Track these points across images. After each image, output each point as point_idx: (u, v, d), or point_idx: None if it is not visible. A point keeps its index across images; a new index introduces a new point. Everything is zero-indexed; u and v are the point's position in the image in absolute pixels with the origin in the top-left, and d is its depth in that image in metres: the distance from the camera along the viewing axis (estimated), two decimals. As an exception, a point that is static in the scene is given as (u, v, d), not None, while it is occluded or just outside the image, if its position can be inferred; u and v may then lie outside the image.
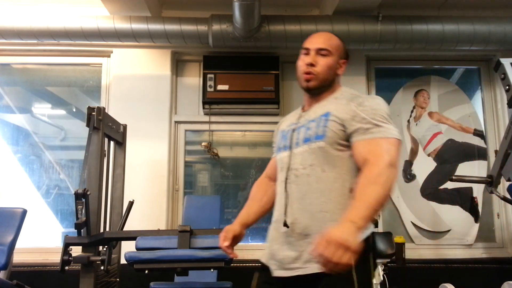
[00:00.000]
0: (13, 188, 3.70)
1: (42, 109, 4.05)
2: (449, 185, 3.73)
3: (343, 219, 1.11)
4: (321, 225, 1.26)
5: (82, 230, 2.42)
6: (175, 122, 3.74)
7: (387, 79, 4.00)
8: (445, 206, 3.74)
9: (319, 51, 1.47)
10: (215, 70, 3.62)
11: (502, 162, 2.71)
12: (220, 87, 3.59)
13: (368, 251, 1.29)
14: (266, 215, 1.63)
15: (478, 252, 3.68)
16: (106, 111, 2.96)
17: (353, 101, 1.36)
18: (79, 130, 3.68)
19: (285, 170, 1.40)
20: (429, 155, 3.83)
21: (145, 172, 3.53)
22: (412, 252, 3.50)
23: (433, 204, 3.74)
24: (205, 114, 3.72)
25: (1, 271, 2.75)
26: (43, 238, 3.61)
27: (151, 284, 2.88)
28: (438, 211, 3.73)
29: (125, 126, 3.25)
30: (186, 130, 3.77)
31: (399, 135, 1.29)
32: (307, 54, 1.50)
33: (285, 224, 1.35)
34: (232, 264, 2.37)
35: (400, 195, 3.75)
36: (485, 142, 3.86)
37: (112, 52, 3.73)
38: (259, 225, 3.72)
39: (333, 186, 1.30)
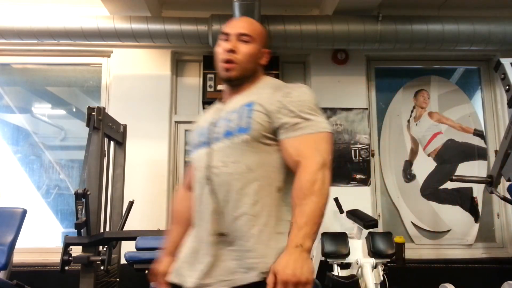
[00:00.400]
0: (13, 188, 3.70)
1: (42, 109, 4.05)
2: (449, 185, 3.73)
3: (289, 245, 1.01)
4: (246, 230, 1.12)
5: (82, 230, 2.42)
6: (175, 122, 3.74)
7: (387, 79, 4.00)
8: (445, 206, 3.74)
9: (240, 37, 1.31)
10: (215, 70, 3.54)
11: (502, 162, 2.71)
12: (220, 87, 3.59)
13: None
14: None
15: (478, 252, 3.68)
16: (106, 111, 2.96)
17: (279, 90, 1.22)
18: (79, 130, 3.68)
19: (203, 169, 1.22)
20: (429, 155, 3.83)
21: (145, 172, 3.53)
22: (412, 252, 3.50)
23: (433, 204, 3.74)
24: (205, 114, 3.72)
25: (1, 271, 2.75)
26: (43, 238, 3.61)
27: (151, 284, 2.88)
28: (438, 211, 3.73)
29: (125, 126, 3.25)
30: (186, 130, 3.77)
31: (330, 127, 1.18)
32: (227, 40, 1.32)
33: (219, 233, 1.17)
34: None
35: (400, 195, 3.75)
36: (485, 142, 3.86)
37: (112, 52, 3.73)
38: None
39: (259, 185, 1.15)
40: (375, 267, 2.69)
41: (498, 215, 3.77)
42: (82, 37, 3.31)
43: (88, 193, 2.39)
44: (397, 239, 3.04)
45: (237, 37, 1.31)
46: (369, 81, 3.88)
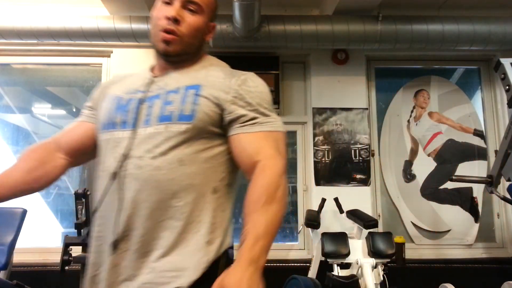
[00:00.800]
0: (13, 188, 3.69)
1: (42, 109, 4.05)
2: (449, 185, 3.73)
3: (243, 258, 0.82)
4: (169, 239, 0.93)
5: (82, 230, 2.42)
6: (175, 122, 3.73)
7: (387, 79, 3.99)
8: (445, 206, 3.74)
9: (188, 4, 1.07)
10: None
11: (502, 162, 2.71)
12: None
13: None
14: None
15: (478, 252, 3.68)
16: (106, 111, 2.96)
17: (233, 76, 1.04)
18: (79, 130, 3.67)
19: (119, 158, 0.98)
20: (429, 155, 3.83)
21: (145, 172, 3.52)
22: (412, 252, 3.50)
23: (433, 204, 3.74)
24: (205, 114, 3.72)
25: (1, 271, 2.75)
26: (43, 238, 3.61)
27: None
28: (438, 211, 3.73)
29: (125, 126, 3.24)
30: (186, 130, 3.77)
31: (283, 127, 1.04)
32: (169, 3, 1.06)
33: (116, 241, 0.95)
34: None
35: (400, 195, 3.75)
36: (485, 142, 3.86)
37: (112, 52, 3.72)
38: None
39: (191, 185, 0.96)
40: (375, 267, 2.69)
41: (498, 215, 3.77)
42: (82, 37, 3.31)
43: (88, 193, 2.39)
44: (397, 239, 3.04)
45: (182, 3, 1.06)
46: (369, 81, 3.88)
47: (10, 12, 3.28)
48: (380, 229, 3.55)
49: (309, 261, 3.18)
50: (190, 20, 1.07)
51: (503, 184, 3.33)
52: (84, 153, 1.17)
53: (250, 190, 0.93)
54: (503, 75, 2.73)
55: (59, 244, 3.41)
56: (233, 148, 1.01)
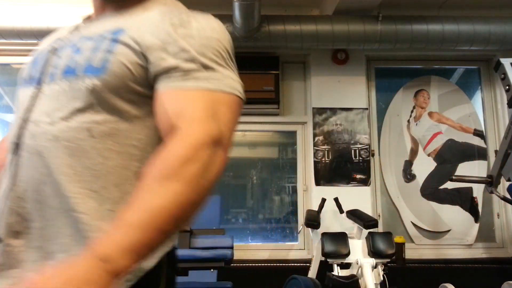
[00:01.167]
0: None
1: (42, 109, 4.04)
2: (449, 185, 3.73)
3: (87, 250, 0.57)
4: (72, 238, 0.67)
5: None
6: (175, 122, 3.73)
7: (387, 79, 4.00)
8: (445, 206, 3.74)
9: None
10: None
11: (502, 162, 2.71)
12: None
13: None
14: None
15: (478, 252, 3.68)
16: (106, 111, 2.95)
17: (172, 16, 0.75)
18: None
19: (19, 123, 0.75)
20: (429, 155, 3.83)
21: (145, 172, 3.52)
22: (412, 252, 3.50)
23: (433, 204, 3.74)
24: (205, 114, 3.72)
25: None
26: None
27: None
28: (438, 211, 3.73)
29: (125, 126, 3.24)
30: (186, 130, 3.77)
31: (242, 92, 0.76)
32: None
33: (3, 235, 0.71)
34: (232, 264, 2.38)
35: (400, 195, 3.75)
36: (485, 142, 3.86)
37: (112, 52, 3.72)
38: (260, 225, 3.72)
39: (104, 165, 0.70)
40: (375, 267, 2.69)
41: (498, 215, 3.77)
42: (82, 37, 3.30)
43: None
44: (397, 239, 3.04)
45: None
46: (369, 81, 3.88)
47: (10, 12, 3.28)
48: (380, 229, 3.55)
49: (309, 261, 3.18)
50: None
51: (503, 184, 3.33)
52: None
53: (152, 161, 0.65)
54: (503, 75, 2.73)
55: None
56: (155, 109, 0.72)
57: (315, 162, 3.60)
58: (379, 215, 3.69)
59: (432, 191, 3.76)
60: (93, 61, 0.72)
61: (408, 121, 3.88)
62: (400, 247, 3.05)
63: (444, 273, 3.44)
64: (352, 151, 3.63)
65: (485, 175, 3.02)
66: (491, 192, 2.87)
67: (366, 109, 3.71)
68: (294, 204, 3.72)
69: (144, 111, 0.74)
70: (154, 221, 0.58)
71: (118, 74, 0.71)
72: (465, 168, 3.76)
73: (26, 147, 0.72)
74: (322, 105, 3.68)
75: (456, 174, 3.61)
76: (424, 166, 3.80)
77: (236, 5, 2.88)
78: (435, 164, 3.81)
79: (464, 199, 3.76)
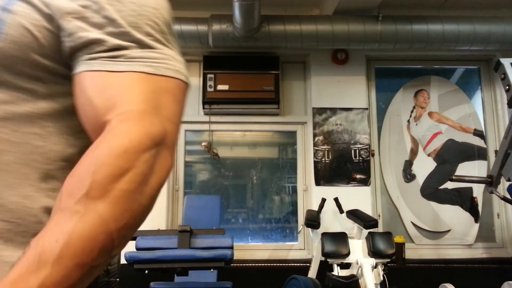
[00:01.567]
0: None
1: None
2: (449, 185, 3.73)
3: None
4: None
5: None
6: (175, 122, 3.73)
7: (387, 79, 4.00)
8: (445, 206, 3.74)
9: None
10: (215, 70, 3.62)
11: (502, 162, 2.71)
12: (220, 87, 3.59)
13: None
14: None
15: (478, 252, 3.68)
16: (106, 111, 2.95)
17: None
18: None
19: None
20: (429, 155, 3.83)
21: (145, 172, 3.53)
22: (412, 252, 3.50)
23: (433, 204, 3.74)
24: (205, 114, 3.73)
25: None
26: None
27: (151, 284, 2.88)
28: (438, 211, 3.73)
29: (125, 126, 3.24)
30: (186, 130, 3.77)
31: (187, 75, 0.59)
32: None
33: None
34: (232, 264, 2.37)
35: (400, 195, 3.75)
36: (485, 142, 3.86)
37: (112, 52, 3.72)
38: (260, 225, 3.73)
39: None
40: (375, 267, 2.69)
41: (498, 215, 3.77)
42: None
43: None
44: (397, 239, 3.04)
45: None
46: (369, 81, 3.88)
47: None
48: (380, 229, 3.56)
49: (309, 261, 3.18)
50: None
51: (503, 184, 3.33)
52: None
53: (72, 171, 0.50)
54: (503, 75, 2.73)
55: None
56: (74, 97, 0.56)
57: (315, 162, 3.60)
58: (379, 215, 3.69)
59: (432, 191, 3.77)
60: None
61: (408, 121, 3.88)
62: (400, 247, 3.05)
63: (444, 273, 3.44)
64: (352, 151, 3.63)
65: (485, 175, 3.02)
66: (491, 192, 2.87)
67: (366, 109, 3.71)
68: (294, 204, 3.73)
69: (54, 90, 0.57)
70: (75, 253, 0.44)
71: (15, 40, 0.53)
72: (465, 168, 3.76)
73: None
74: (322, 105, 3.68)
75: (456, 174, 3.62)
76: (424, 166, 3.81)
77: (236, 5, 2.88)
78: (435, 164, 3.81)
79: (464, 199, 3.76)
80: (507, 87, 2.70)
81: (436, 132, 3.86)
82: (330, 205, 3.30)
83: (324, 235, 2.83)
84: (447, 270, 3.48)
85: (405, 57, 3.91)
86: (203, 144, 3.71)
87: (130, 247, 2.54)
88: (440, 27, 3.34)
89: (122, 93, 0.53)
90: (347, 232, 2.89)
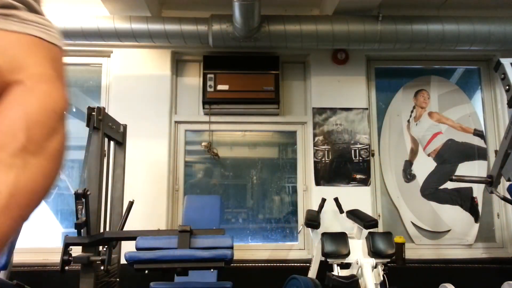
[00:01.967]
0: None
1: (42, 109, 4.04)
2: (449, 185, 3.73)
3: None
4: None
5: (82, 230, 2.42)
6: (175, 122, 3.74)
7: (387, 79, 4.00)
8: (445, 206, 3.74)
9: None
10: (215, 70, 3.62)
11: (502, 162, 2.71)
12: (220, 87, 3.59)
13: None
14: None
15: (478, 252, 3.68)
16: (106, 111, 2.96)
17: None
18: (79, 130, 3.67)
19: None
20: (429, 155, 3.83)
21: (145, 172, 3.53)
22: (412, 252, 3.50)
23: (433, 204, 3.74)
24: (205, 114, 3.73)
25: (1, 271, 2.75)
26: (43, 238, 3.61)
27: (151, 284, 2.88)
28: (438, 211, 3.73)
29: (125, 126, 3.25)
30: (186, 130, 3.77)
31: (62, 40, 0.60)
32: None
33: None
34: (232, 264, 2.37)
35: (400, 195, 3.75)
36: (485, 142, 3.86)
37: (112, 52, 3.73)
38: (260, 225, 3.72)
39: None
40: (375, 267, 2.69)
41: (498, 215, 3.77)
42: (82, 37, 3.31)
43: (88, 193, 2.39)
44: (397, 239, 3.04)
45: None
46: (369, 81, 3.88)
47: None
48: (380, 229, 3.56)
49: (309, 261, 3.18)
50: None
51: (503, 184, 3.33)
52: None
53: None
54: (503, 75, 2.73)
55: (59, 244, 3.42)
56: None
57: (315, 162, 3.60)
58: (379, 215, 3.69)
59: (432, 191, 3.77)
60: None
61: (408, 121, 3.88)
62: (400, 247, 3.05)
63: (444, 273, 3.44)
64: (352, 151, 3.63)
65: (485, 175, 3.02)
66: (491, 192, 2.87)
67: (366, 109, 3.71)
68: (294, 204, 3.73)
69: None
70: (19, 206, 0.45)
71: None
72: (465, 168, 3.76)
73: None
74: (322, 105, 3.68)
75: (456, 174, 3.62)
76: (424, 166, 3.81)
77: (236, 5, 2.88)
78: (435, 164, 3.81)
79: (464, 199, 3.76)
80: (507, 87, 2.70)
81: (436, 132, 3.86)
82: (330, 205, 3.30)
83: (324, 235, 2.83)
84: (447, 270, 3.48)
85: (405, 57, 3.91)
86: (203, 144, 3.71)
87: (130, 247, 2.54)
88: (440, 27, 3.34)
89: (26, 55, 0.52)
90: (347, 232, 2.89)
